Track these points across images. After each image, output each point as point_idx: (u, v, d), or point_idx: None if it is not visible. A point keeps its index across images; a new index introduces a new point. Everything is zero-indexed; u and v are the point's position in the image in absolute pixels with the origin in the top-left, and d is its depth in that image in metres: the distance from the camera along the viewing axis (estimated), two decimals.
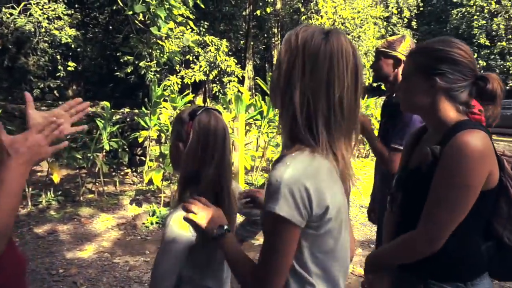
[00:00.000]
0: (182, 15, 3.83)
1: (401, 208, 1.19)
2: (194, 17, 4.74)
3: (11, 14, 7.71)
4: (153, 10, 3.29)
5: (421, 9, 17.75)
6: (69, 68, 9.10)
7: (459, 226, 1.04)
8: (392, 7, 16.12)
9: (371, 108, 8.69)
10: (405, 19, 16.73)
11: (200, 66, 9.44)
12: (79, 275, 2.95)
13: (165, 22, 3.43)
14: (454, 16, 17.70)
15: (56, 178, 4.35)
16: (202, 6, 4.10)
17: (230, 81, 10.04)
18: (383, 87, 9.87)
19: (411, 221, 1.10)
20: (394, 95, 1.89)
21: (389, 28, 15.38)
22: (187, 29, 4.59)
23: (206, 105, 1.21)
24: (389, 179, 1.90)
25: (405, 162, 1.25)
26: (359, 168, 7.39)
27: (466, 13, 17.27)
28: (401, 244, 1.11)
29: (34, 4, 7.95)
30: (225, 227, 0.98)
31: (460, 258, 1.07)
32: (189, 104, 5.42)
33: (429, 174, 1.06)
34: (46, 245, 3.47)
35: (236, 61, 10.12)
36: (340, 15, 11.34)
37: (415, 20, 17.36)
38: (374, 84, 12.66)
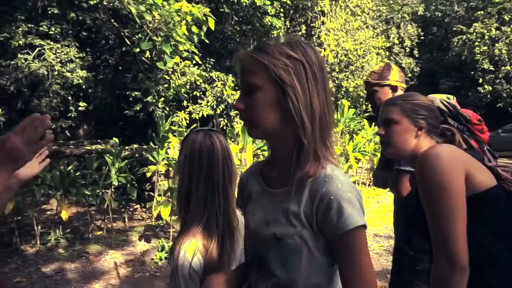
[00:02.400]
0: (187, 51, 3.96)
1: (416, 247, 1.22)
2: (200, 54, 4.90)
3: (25, 59, 8.06)
4: (159, 47, 3.42)
5: (422, 38, 18.11)
6: (80, 108, 9.34)
7: (478, 247, 1.00)
8: (393, 37, 16.50)
9: None
10: (406, 48, 17.05)
11: (208, 101, 9.61)
12: None
13: (170, 57, 3.56)
14: (455, 43, 17.98)
15: (64, 215, 4.33)
16: (207, 41, 4.25)
17: (237, 114, 10.16)
18: None
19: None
20: None
21: (391, 58, 15.66)
22: (192, 64, 4.74)
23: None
24: (400, 208, 1.87)
25: (417, 202, 1.26)
26: (371, 196, 7.24)
27: (467, 40, 17.53)
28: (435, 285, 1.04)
29: (47, 49, 8.33)
30: None
31: (490, 282, 1.03)
32: None
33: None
34: (54, 285, 3.40)
35: None
36: (342, 47, 11.61)
37: (417, 49, 17.66)
38: None
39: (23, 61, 8.03)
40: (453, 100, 1.52)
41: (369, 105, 13.03)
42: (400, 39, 16.86)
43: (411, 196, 1.71)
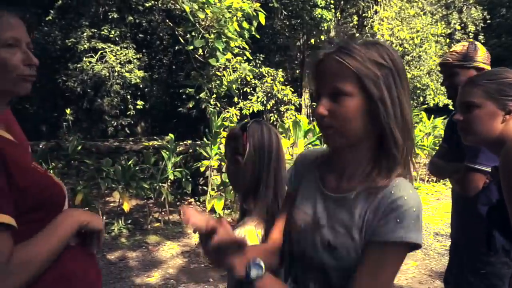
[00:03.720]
0: (238, 47, 4.01)
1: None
2: (250, 50, 4.93)
3: (90, 62, 8.69)
4: (212, 44, 3.50)
5: (488, 21, 16.64)
6: (138, 107, 9.87)
7: None
8: (455, 23, 15.33)
9: (439, 129, 8.12)
10: (470, 34, 15.78)
11: (258, 97, 9.67)
12: None
13: (222, 54, 3.63)
14: None
15: (126, 207, 4.61)
16: (258, 36, 4.26)
17: (287, 109, 10.10)
18: (451, 106, 9.25)
19: None
20: None
21: (453, 45, 14.57)
22: (243, 59, 4.79)
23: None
24: (465, 203, 1.72)
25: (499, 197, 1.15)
26: (430, 193, 6.84)
27: None
28: None
29: (109, 51, 8.91)
30: (261, 263, 0.76)
31: None
32: None
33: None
34: (118, 271, 3.63)
35: (292, 90, 10.20)
36: (397, 37, 11.03)
37: (482, 34, 16.27)
38: (441, 104, 11.91)
39: (88, 63, 8.66)
40: None
41: (427, 97, 12.29)
42: (462, 25, 15.62)
43: (486, 191, 1.57)
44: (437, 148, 7.18)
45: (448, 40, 13.58)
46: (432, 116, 8.67)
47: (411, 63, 11.81)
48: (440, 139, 7.83)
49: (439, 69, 1.86)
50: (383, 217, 0.75)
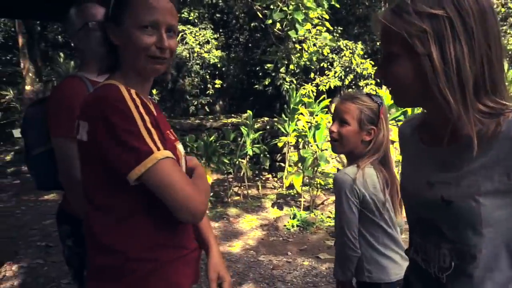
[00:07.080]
0: (318, 18, 3.85)
1: None
2: (327, 23, 4.71)
3: None
4: (290, 16, 3.42)
5: None
6: (216, 86, 10.23)
7: None
8: None
9: None
10: None
11: (335, 72, 9.31)
12: (229, 269, 3.18)
13: (301, 25, 3.52)
14: None
15: (209, 180, 4.86)
16: (337, 6, 4.04)
17: (367, 84, 9.57)
18: None
19: None
20: None
21: None
22: (324, 30, 4.61)
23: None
24: None
25: None
26: None
27: None
28: None
29: (188, 33, 9.29)
30: None
31: None
32: (326, 109, 5.37)
33: None
34: None
35: (372, 63, 9.61)
36: None
37: None
38: None
39: None
40: None
41: None
42: None
43: None
44: None
45: None
46: None
47: None
48: None
49: None
50: None
